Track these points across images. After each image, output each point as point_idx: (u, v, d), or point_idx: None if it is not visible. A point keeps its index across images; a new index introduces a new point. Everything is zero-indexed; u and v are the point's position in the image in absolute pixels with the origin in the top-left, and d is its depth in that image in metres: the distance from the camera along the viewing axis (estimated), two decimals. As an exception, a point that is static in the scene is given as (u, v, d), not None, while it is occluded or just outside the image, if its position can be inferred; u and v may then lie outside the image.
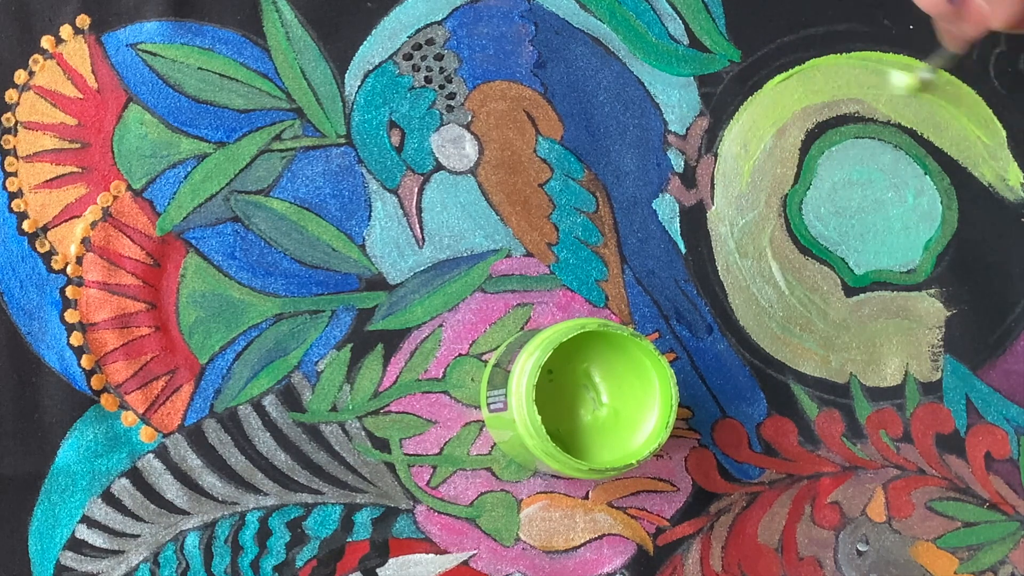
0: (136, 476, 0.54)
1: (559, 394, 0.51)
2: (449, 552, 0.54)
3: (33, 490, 0.53)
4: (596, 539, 0.55)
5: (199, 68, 0.56)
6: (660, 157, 0.57)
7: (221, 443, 0.54)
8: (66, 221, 0.55)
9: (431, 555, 0.54)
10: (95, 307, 0.54)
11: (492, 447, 0.55)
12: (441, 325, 0.55)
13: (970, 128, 0.58)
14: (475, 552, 0.54)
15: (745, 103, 0.58)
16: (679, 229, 0.57)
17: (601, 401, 0.51)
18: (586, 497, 0.55)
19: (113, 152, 0.55)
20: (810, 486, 0.56)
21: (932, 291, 0.57)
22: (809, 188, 0.57)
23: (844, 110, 0.58)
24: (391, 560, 0.54)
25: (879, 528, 0.56)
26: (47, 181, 0.55)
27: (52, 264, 0.54)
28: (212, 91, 0.56)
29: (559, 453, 0.48)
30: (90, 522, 0.53)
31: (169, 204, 0.55)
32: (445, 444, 0.55)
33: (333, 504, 0.54)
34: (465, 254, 0.56)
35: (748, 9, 0.58)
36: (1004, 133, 0.58)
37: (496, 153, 0.57)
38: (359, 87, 0.56)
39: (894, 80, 0.58)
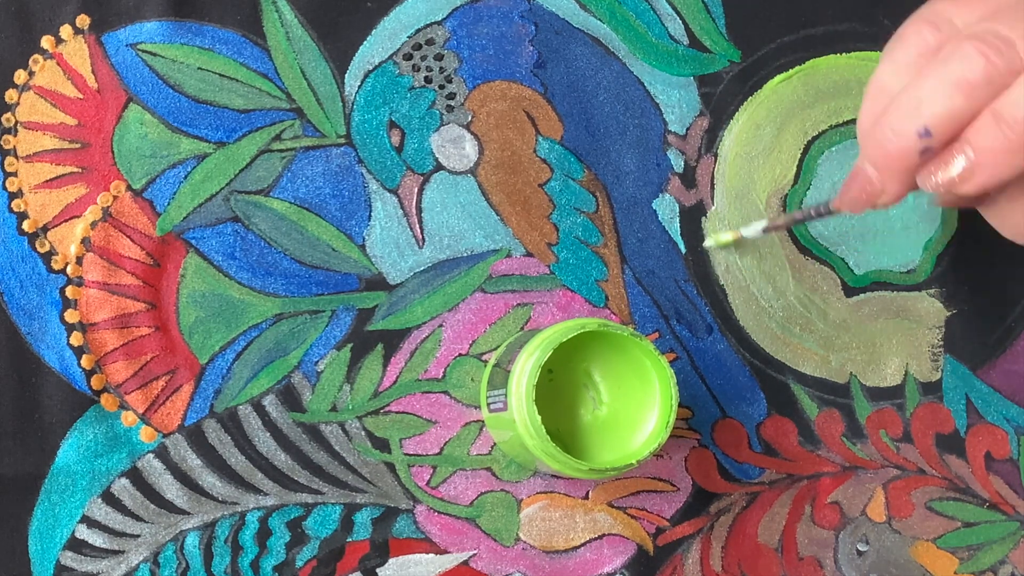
0: (136, 476, 0.54)
1: (559, 394, 0.51)
2: (449, 552, 0.54)
3: (33, 490, 0.53)
4: (596, 539, 0.55)
5: (199, 68, 0.56)
6: (660, 157, 0.57)
7: (221, 443, 0.54)
8: (66, 221, 0.55)
9: (431, 555, 0.54)
10: (95, 307, 0.54)
11: (492, 447, 0.55)
12: (441, 325, 0.55)
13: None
14: (475, 552, 0.54)
15: (745, 103, 0.58)
16: (679, 229, 0.57)
17: (601, 400, 0.51)
18: (586, 497, 0.55)
19: (113, 152, 0.55)
20: (810, 486, 0.56)
21: (932, 291, 0.57)
22: (809, 188, 0.57)
23: (844, 110, 0.58)
24: (391, 560, 0.54)
25: (879, 528, 0.56)
26: (47, 181, 0.55)
27: (52, 264, 0.54)
28: (212, 91, 0.56)
29: (559, 453, 0.48)
30: (90, 522, 0.53)
31: (169, 204, 0.55)
32: (445, 444, 0.55)
33: (333, 504, 0.54)
34: (465, 254, 0.56)
35: (748, 9, 0.58)
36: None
37: (496, 153, 0.57)
38: (359, 87, 0.56)
39: (708, 239, 0.57)
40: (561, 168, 0.57)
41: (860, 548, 0.55)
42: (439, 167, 0.56)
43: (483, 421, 0.55)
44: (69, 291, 0.54)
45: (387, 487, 0.54)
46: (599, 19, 0.58)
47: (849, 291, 0.57)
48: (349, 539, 0.54)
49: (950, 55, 0.41)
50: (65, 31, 0.56)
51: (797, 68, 0.58)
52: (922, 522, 0.56)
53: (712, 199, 0.57)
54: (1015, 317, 0.57)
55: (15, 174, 0.55)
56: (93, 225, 0.55)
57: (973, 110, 0.41)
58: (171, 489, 0.54)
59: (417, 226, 0.56)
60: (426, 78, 0.57)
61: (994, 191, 0.45)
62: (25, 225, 0.55)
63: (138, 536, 0.53)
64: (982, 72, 0.41)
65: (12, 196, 0.55)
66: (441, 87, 0.57)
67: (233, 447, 0.54)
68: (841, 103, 0.58)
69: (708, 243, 0.56)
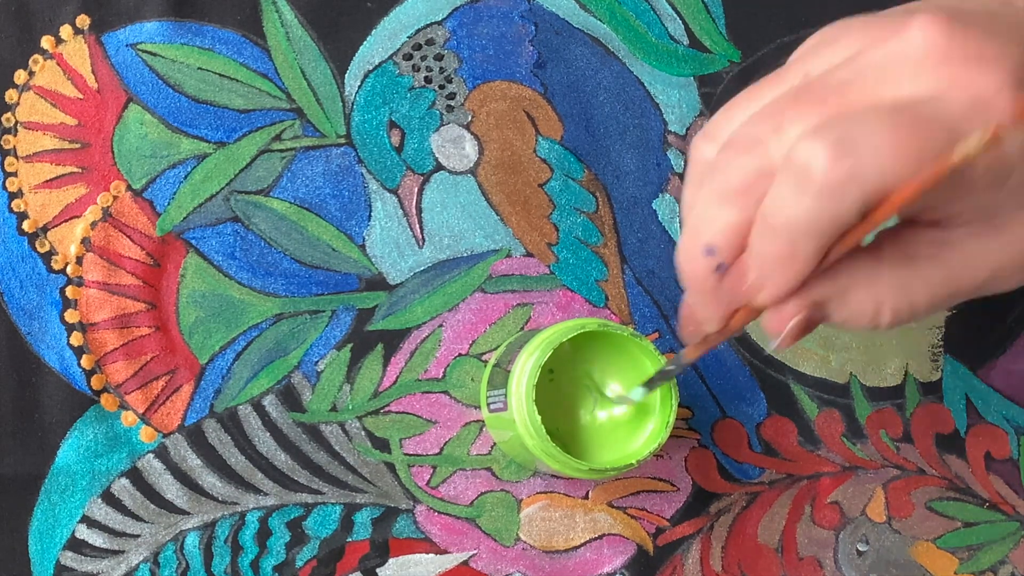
0: (136, 476, 0.54)
1: (559, 394, 0.51)
2: (449, 552, 0.54)
3: (33, 490, 0.53)
4: (596, 539, 0.55)
5: (199, 68, 0.56)
6: (660, 157, 0.57)
7: (221, 443, 0.54)
8: (66, 221, 0.55)
9: (431, 555, 0.54)
10: (95, 307, 0.54)
11: (492, 447, 0.55)
12: (441, 325, 0.55)
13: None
14: (475, 552, 0.54)
15: (745, 103, 0.58)
16: (679, 229, 0.57)
17: (606, 397, 0.51)
18: (586, 497, 0.55)
19: (113, 152, 0.55)
20: (810, 486, 0.56)
21: (932, 291, 0.57)
22: (809, 188, 0.57)
23: (844, 110, 0.58)
24: (391, 560, 0.54)
25: (879, 528, 0.56)
26: (47, 181, 0.55)
27: (52, 264, 0.54)
28: (212, 91, 0.56)
29: (559, 453, 0.48)
30: (90, 522, 0.53)
31: (169, 204, 0.55)
32: (445, 444, 0.55)
33: (333, 504, 0.54)
34: (465, 254, 0.56)
35: (748, 9, 0.58)
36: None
37: (496, 153, 0.57)
38: (359, 87, 0.56)
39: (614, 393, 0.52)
40: (561, 168, 0.57)
41: (860, 548, 0.55)
42: (439, 167, 0.56)
43: (483, 421, 0.55)
44: (69, 291, 0.54)
45: (387, 487, 0.54)
46: (599, 19, 0.58)
47: (849, 291, 0.57)
48: (349, 539, 0.54)
49: (714, 168, 0.39)
50: (65, 31, 0.56)
51: (797, 68, 0.58)
52: (922, 522, 0.56)
53: (712, 199, 0.57)
54: (1015, 317, 0.57)
55: (15, 174, 0.55)
56: (93, 225, 0.55)
57: (749, 218, 0.38)
58: (171, 489, 0.54)
59: (417, 226, 0.56)
60: (426, 78, 0.57)
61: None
62: (25, 225, 0.55)
63: (138, 536, 0.53)
64: (737, 178, 0.38)
65: (12, 196, 0.55)
66: (441, 87, 0.57)
67: (233, 447, 0.54)
68: (841, 103, 0.58)
69: (609, 399, 0.52)
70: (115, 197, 0.55)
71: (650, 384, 0.48)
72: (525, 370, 0.48)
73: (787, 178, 0.36)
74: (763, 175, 0.38)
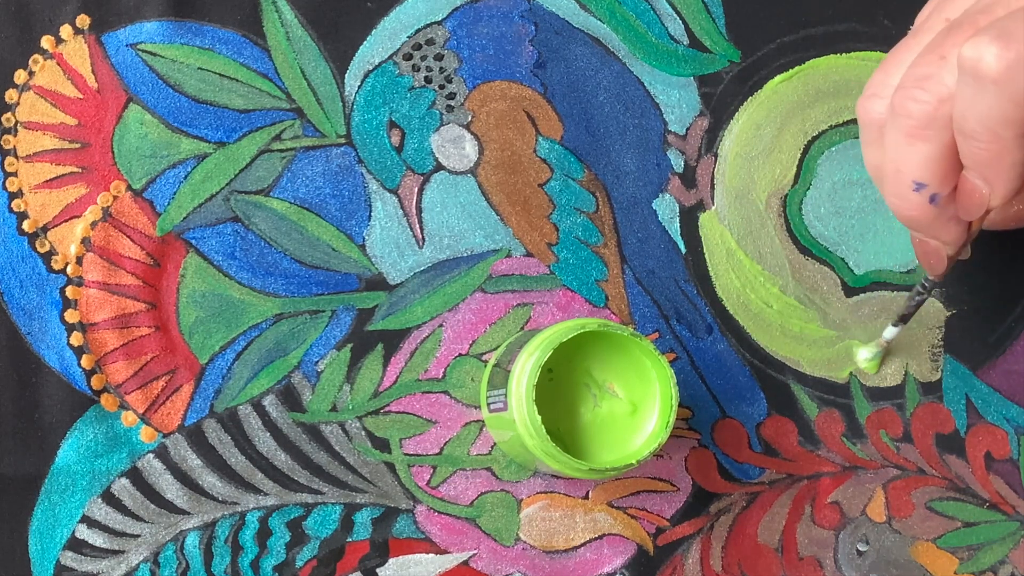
0: (136, 476, 0.54)
1: (559, 394, 0.51)
2: (449, 552, 0.54)
3: (33, 490, 0.53)
4: (596, 539, 0.55)
5: (199, 68, 0.56)
6: (660, 157, 0.57)
7: (221, 443, 0.54)
8: (66, 221, 0.55)
9: (431, 555, 0.54)
10: (95, 307, 0.54)
11: (492, 447, 0.55)
12: (441, 325, 0.55)
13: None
14: (475, 552, 0.54)
15: (745, 103, 0.58)
16: (679, 229, 0.57)
17: (608, 394, 0.51)
18: (586, 497, 0.55)
19: (113, 152, 0.55)
20: (810, 486, 0.56)
21: (932, 291, 0.57)
22: (809, 188, 0.57)
23: (844, 110, 0.58)
24: (391, 560, 0.54)
25: (879, 528, 0.56)
26: (47, 181, 0.55)
27: (52, 264, 0.54)
28: (212, 91, 0.56)
29: (559, 453, 0.48)
30: (90, 522, 0.53)
31: (169, 204, 0.55)
32: (445, 444, 0.55)
33: (333, 504, 0.54)
34: (465, 254, 0.56)
35: (748, 9, 0.58)
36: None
37: (496, 153, 0.57)
38: (359, 87, 0.56)
39: (860, 357, 0.56)
40: (561, 168, 0.57)
41: (860, 548, 0.55)
42: (439, 167, 0.56)
43: (483, 421, 0.55)
44: (69, 291, 0.54)
45: (387, 487, 0.54)
46: (599, 19, 0.58)
47: (849, 291, 0.57)
48: (349, 539, 0.54)
49: (894, 115, 0.43)
50: (65, 31, 0.56)
51: (797, 68, 0.58)
52: (922, 522, 0.56)
53: (712, 199, 0.57)
54: (1015, 317, 0.57)
55: (15, 174, 0.55)
56: (93, 225, 0.55)
57: (942, 145, 0.43)
58: (171, 489, 0.54)
59: (417, 226, 0.56)
60: (426, 78, 0.57)
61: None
62: (25, 225, 0.55)
63: (138, 536, 0.53)
64: (919, 113, 0.42)
65: (12, 196, 0.55)
66: (441, 87, 0.57)
67: (233, 447, 0.54)
68: (841, 103, 0.58)
69: (864, 365, 0.56)
70: (115, 197, 0.55)
71: (904, 319, 0.53)
72: (525, 370, 0.48)
73: (965, 81, 0.39)
74: (942, 101, 0.41)
